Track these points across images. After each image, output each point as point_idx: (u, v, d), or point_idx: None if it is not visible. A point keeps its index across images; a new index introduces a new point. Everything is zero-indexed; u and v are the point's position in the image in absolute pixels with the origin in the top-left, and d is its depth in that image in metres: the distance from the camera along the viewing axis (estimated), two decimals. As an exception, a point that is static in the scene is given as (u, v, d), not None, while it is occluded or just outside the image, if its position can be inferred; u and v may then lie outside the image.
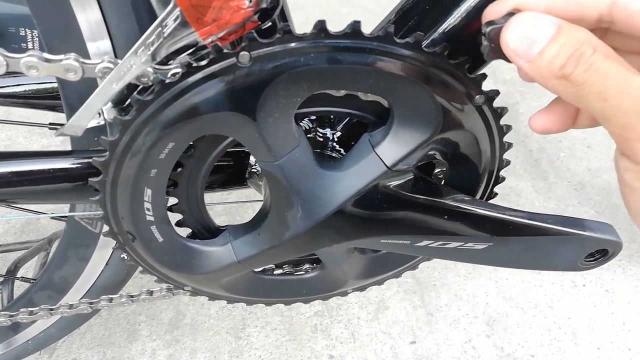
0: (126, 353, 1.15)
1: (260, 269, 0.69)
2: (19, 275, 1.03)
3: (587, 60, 0.30)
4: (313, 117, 0.58)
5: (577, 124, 0.42)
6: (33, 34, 0.67)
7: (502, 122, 0.53)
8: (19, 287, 1.02)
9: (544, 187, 1.47)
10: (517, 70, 0.37)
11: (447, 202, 0.55)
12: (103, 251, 0.74)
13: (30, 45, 0.66)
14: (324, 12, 2.24)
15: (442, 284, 1.26)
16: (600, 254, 0.63)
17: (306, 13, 2.23)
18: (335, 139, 0.59)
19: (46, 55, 0.43)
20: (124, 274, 0.78)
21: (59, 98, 0.63)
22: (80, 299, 0.79)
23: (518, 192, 1.46)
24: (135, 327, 1.19)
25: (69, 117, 0.56)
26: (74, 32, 0.50)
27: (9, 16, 0.66)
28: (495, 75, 1.88)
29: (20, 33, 0.65)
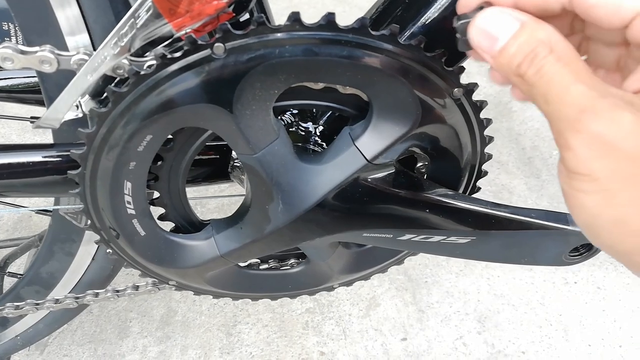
0: (117, 350, 1.15)
1: (246, 263, 0.69)
2: (10, 271, 1.03)
3: (539, 61, 0.30)
4: (295, 111, 0.58)
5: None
6: (16, 28, 0.67)
7: (484, 115, 0.53)
8: (9, 284, 1.02)
9: (537, 185, 1.47)
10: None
11: (429, 196, 0.55)
12: (89, 246, 0.74)
13: (13, 40, 0.66)
14: (319, 11, 2.24)
15: (433, 281, 1.26)
16: (585, 249, 0.63)
17: (301, 12, 2.22)
18: (318, 133, 0.59)
19: (21, 47, 0.43)
20: (111, 269, 0.78)
21: (32, 92, 0.63)
22: (68, 293, 0.79)
23: (511, 190, 1.45)
24: (127, 323, 1.19)
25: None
26: (53, 27, 0.50)
27: (-8, 10, 0.66)
28: (488, 74, 1.87)
29: (4, 27, 0.65)
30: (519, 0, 0.33)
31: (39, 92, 0.72)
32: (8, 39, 0.66)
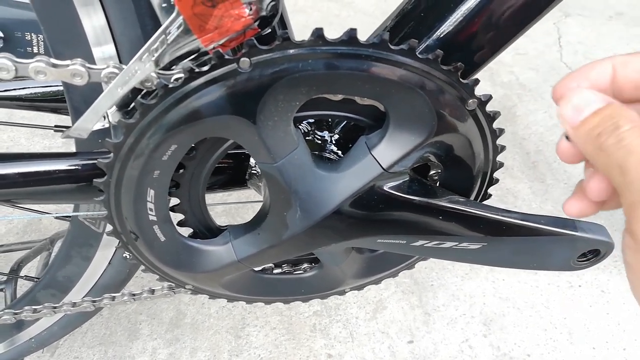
0: (127, 352, 1.16)
1: (260, 268, 0.71)
2: (22, 274, 1.04)
3: (620, 133, 0.32)
4: (311, 120, 0.60)
5: (605, 206, 0.43)
6: (38, 38, 0.68)
7: (496, 125, 0.55)
8: (22, 287, 1.03)
9: (541, 189, 1.49)
10: (557, 148, 0.40)
11: (442, 203, 0.57)
12: (106, 250, 0.75)
13: (35, 49, 0.68)
14: (323, 15, 2.26)
15: (439, 284, 1.27)
16: (593, 254, 0.65)
17: (306, 16, 2.25)
18: (333, 142, 0.60)
19: (53, 60, 0.44)
20: (126, 273, 0.80)
21: (62, 101, 0.65)
22: (83, 297, 0.81)
23: (515, 194, 1.47)
24: (136, 326, 1.21)
25: (74, 120, 0.58)
26: (80, 38, 0.51)
27: (15, 21, 0.68)
28: (493, 78, 1.90)
29: (26, 37, 0.67)
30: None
31: (53, 100, 0.74)
32: (30, 48, 0.68)
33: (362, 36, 0.45)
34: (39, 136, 1.70)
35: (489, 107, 0.53)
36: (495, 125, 0.54)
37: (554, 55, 2.04)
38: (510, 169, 1.52)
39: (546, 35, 2.16)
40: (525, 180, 1.51)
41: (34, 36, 0.67)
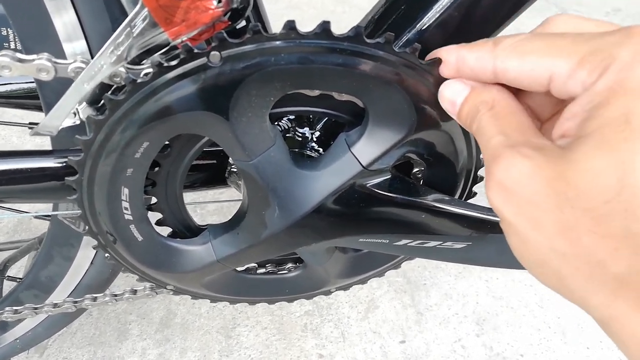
0: (116, 352, 1.15)
1: (243, 268, 0.70)
2: (9, 275, 1.03)
3: (479, 117, 0.35)
4: (292, 117, 0.59)
5: None
6: (15, 34, 0.67)
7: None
8: (8, 288, 1.02)
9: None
10: None
11: (425, 201, 0.55)
12: (87, 250, 0.74)
13: (12, 45, 0.67)
14: (318, 11, 2.25)
15: (432, 283, 1.26)
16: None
17: (301, 12, 2.23)
18: (314, 139, 0.59)
19: (19, 55, 0.43)
20: (109, 273, 0.79)
21: (29, 97, 0.63)
22: (66, 297, 0.79)
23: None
24: (126, 326, 1.20)
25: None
26: (50, 33, 0.50)
27: (-8, 16, 0.66)
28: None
29: (2, 33, 0.66)
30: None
31: (37, 97, 0.73)
32: (7, 44, 0.66)
33: (335, 31, 0.43)
34: (31, 137, 1.68)
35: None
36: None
37: (551, 52, 2.03)
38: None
39: (543, 32, 2.15)
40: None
41: (10, 32, 0.66)
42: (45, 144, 1.64)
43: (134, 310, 1.23)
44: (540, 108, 0.39)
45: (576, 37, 0.32)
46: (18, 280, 0.85)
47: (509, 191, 0.30)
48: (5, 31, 0.66)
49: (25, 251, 1.10)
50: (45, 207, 1.35)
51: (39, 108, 0.74)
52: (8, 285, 1.03)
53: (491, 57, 0.36)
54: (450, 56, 0.40)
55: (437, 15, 0.49)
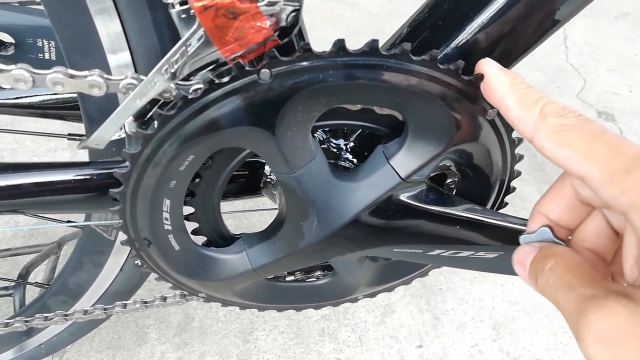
0: (135, 356, 1.16)
1: (273, 276, 0.70)
2: (30, 279, 1.04)
3: (549, 273, 0.36)
4: (327, 129, 0.59)
5: None
6: (50, 44, 0.68)
7: (515, 134, 0.54)
8: (29, 292, 1.03)
9: (549, 192, 1.48)
10: None
11: (459, 212, 0.56)
12: (117, 257, 0.75)
13: (47, 56, 0.68)
14: (327, 15, 2.25)
15: (448, 288, 1.27)
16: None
17: (310, 16, 2.24)
18: (349, 149, 0.60)
19: (71, 71, 0.44)
20: (138, 279, 0.79)
21: (69, 108, 0.64)
22: (94, 304, 0.80)
23: (523, 197, 1.47)
24: (144, 330, 1.21)
25: (87, 128, 0.58)
26: (95, 46, 0.51)
27: (27, 27, 0.67)
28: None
29: (38, 44, 0.67)
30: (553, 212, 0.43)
31: (60, 108, 0.73)
32: (41, 55, 0.67)
33: (368, 38, 0.44)
34: (44, 138, 1.69)
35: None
36: (514, 134, 0.54)
37: (560, 56, 2.04)
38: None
39: (552, 36, 2.15)
40: (533, 182, 1.51)
41: (45, 42, 0.67)
42: (59, 148, 1.65)
43: (152, 315, 1.24)
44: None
45: (614, 148, 0.33)
46: (45, 286, 0.85)
47: (615, 342, 0.29)
48: (41, 42, 0.67)
49: (46, 256, 1.11)
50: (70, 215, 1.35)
51: (60, 117, 0.75)
52: (31, 289, 1.04)
53: (532, 127, 0.37)
54: (496, 96, 0.42)
55: (476, 30, 0.50)
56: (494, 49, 0.52)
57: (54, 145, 1.67)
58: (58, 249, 1.13)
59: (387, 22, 2.11)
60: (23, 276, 1.02)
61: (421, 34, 0.55)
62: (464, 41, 0.51)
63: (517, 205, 1.45)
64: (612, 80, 1.92)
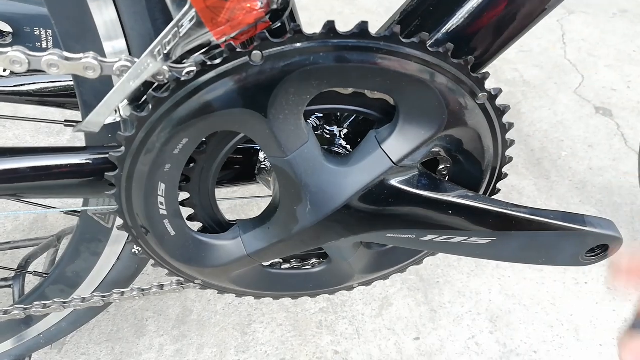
0: (134, 348, 1.17)
1: (269, 263, 0.71)
2: (35, 271, 1.04)
3: None
4: (320, 115, 0.60)
5: None
6: (47, 33, 0.68)
7: (505, 120, 0.55)
8: (29, 284, 1.04)
9: (546, 186, 1.48)
10: None
11: (452, 197, 0.57)
12: (115, 246, 0.75)
13: (44, 45, 0.68)
14: (327, 13, 2.26)
15: (445, 281, 1.27)
16: (601, 250, 0.65)
17: (310, 13, 2.25)
18: (342, 136, 0.61)
19: (66, 54, 0.45)
20: (135, 268, 0.80)
21: (68, 96, 0.65)
22: (92, 292, 0.81)
23: (520, 191, 1.47)
24: (143, 322, 1.21)
25: (84, 114, 0.58)
26: (91, 32, 0.51)
27: (24, 16, 0.68)
28: (497, 75, 1.89)
29: (35, 32, 0.67)
30: None
31: (58, 95, 0.74)
32: (39, 44, 0.68)
33: (372, 32, 0.45)
34: (44, 134, 1.70)
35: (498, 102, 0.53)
36: (504, 119, 0.55)
37: (558, 52, 2.04)
38: (515, 166, 1.52)
39: (550, 33, 2.16)
40: (530, 177, 1.51)
41: (42, 31, 0.67)
42: (60, 143, 1.66)
43: (151, 307, 1.24)
44: None
45: None
46: (44, 275, 0.86)
47: None
48: (38, 31, 0.67)
49: (45, 248, 1.12)
50: (62, 204, 1.36)
51: (59, 105, 0.76)
52: (29, 281, 1.05)
53: None
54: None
55: (467, 15, 0.51)
56: (485, 34, 0.53)
57: (54, 141, 1.68)
58: (57, 242, 1.13)
59: (385, 19, 2.11)
60: (22, 267, 1.03)
61: (413, 20, 0.55)
62: (454, 26, 0.52)
63: (515, 199, 1.45)
64: (610, 76, 1.92)
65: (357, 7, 2.38)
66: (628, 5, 2.34)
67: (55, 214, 1.41)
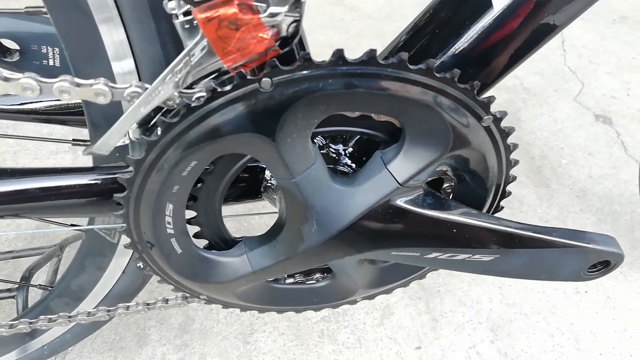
0: (136, 357, 1.17)
1: (273, 278, 0.72)
2: (32, 281, 1.05)
3: None
4: (326, 134, 0.61)
5: None
6: (54, 51, 0.69)
7: (509, 141, 0.55)
8: (32, 294, 1.04)
9: (546, 194, 1.49)
10: None
11: (456, 216, 0.57)
12: (120, 259, 0.76)
13: (51, 62, 0.69)
14: (328, 19, 2.27)
15: (446, 290, 1.28)
16: (603, 265, 0.66)
17: (311, 20, 2.25)
18: (348, 154, 0.61)
19: (77, 80, 0.45)
20: (140, 282, 0.80)
21: (71, 114, 0.65)
22: (96, 306, 0.81)
23: (521, 199, 1.48)
24: (145, 331, 1.21)
25: (92, 134, 0.59)
26: (100, 53, 0.52)
27: (31, 34, 0.68)
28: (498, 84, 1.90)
29: (42, 50, 0.68)
30: None
31: (62, 113, 0.74)
32: (46, 61, 0.68)
33: (368, 41, 0.45)
34: (47, 151, 1.70)
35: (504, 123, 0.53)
36: (509, 140, 0.55)
37: (558, 59, 2.05)
38: (515, 174, 1.52)
39: (550, 40, 2.17)
40: (531, 185, 1.52)
41: (49, 49, 0.68)
42: (60, 151, 1.66)
43: (153, 316, 1.24)
44: None
45: None
46: (49, 288, 0.87)
47: None
48: (45, 49, 0.68)
49: (48, 258, 1.12)
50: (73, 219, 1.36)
51: (61, 122, 0.76)
52: (33, 291, 1.05)
53: None
54: None
55: (472, 39, 0.52)
56: (491, 57, 0.53)
57: (56, 148, 1.68)
58: (60, 251, 1.14)
59: (386, 25, 2.12)
60: (26, 278, 1.04)
61: (418, 42, 0.56)
62: (460, 49, 0.52)
63: (515, 208, 1.46)
64: (610, 83, 1.93)
65: (358, 13, 2.38)
66: (628, 12, 2.35)
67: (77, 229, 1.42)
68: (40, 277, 1.22)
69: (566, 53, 2.09)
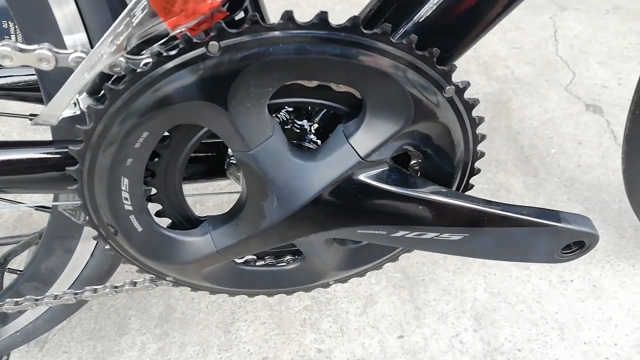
0: (116, 346, 1.16)
1: (242, 260, 0.70)
2: (10, 267, 1.03)
3: None
4: (290, 109, 0.59)
5: None
6: (16, 26, 0.67)
7: (475, 113, 0.54)
8: (8, 281, 1.03)
9: (534, 183, 1.47)
10: None
11: (422, 193, 0.56)
12: (88, 242, 0.74)
13: (13, 38, 0.67)
14: (318, 9, 2.24)
15: (430, 279, 1.26)
16: (577, 246, 0.64)
17: (301, 10, 2.24)
18: (313, 131, 0.60)
19: (20, 45, 0.44)
20: (109, 265, 0.79)
21: (32, 90, 0.64)
22: (67, 289, 0.80)
23: (508, 188, 1.46)
24: (126, 320, 1.20)
25: (48, 108, 0.57)
26: (51, 25, 0.50)
27: (-8, 9, 0.67)
28: (488, 73, 1.88)
29: (3, 25, 0.66)
30: None
31: (38, 89, 0.73)
32: (8, 37, 0.67)
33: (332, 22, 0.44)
34: (31, 130, 1.69)
35: (474, 95, 0.52)
36: (474, 113, 0.54)
37: (550, 49, 2.03)
38: (503, 163, 1.51)
39: (542, 29, 2.15)
40: (519, 174, 1.50)
41: (11, 25, 0.66)
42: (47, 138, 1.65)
43: (134, 305, 1.23)
44: None
45: None
46: (19, 272, 0.85)
47: None
48: (6, 24, 0.66)
49: (26, 245, 1.11)
50: (42, 199, 1.35)
51: (40, 100, 0.75)
52: (8, 279, 1.04)
53: None
54: None
55: (436, 6, 0.50)
56: (454, 25, 0.52)
57: (41, 138, 1.66)
58: (39, 239, 1.12)
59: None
60: (1, 264, 1.02)
61: (387, 10, 0.55)
62: (424, 17, 0.51)
63: (502, 197, 1.44)
64: (601, 73, 1.91)
65: (348, 4, 2.37)
66: (621, 2, 2.33)
67: (39, 210, 1.40)
68: (20, 266, 1.21)
69: (558, 43, 2.07)
